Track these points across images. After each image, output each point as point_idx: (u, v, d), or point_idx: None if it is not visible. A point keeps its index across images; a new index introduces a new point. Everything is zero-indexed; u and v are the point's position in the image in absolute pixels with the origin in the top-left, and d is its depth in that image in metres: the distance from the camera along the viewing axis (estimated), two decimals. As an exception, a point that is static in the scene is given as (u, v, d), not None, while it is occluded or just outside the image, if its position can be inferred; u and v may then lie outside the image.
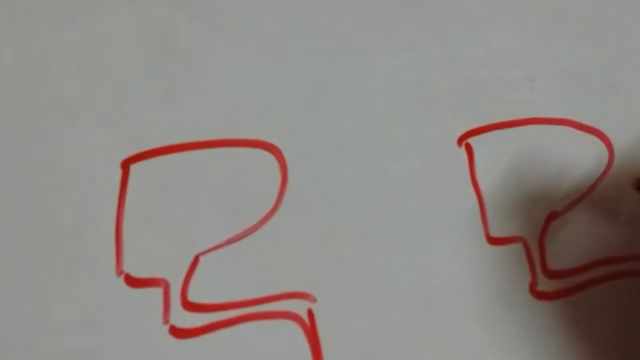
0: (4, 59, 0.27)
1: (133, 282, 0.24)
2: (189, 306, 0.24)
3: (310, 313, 0.24)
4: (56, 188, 0.25)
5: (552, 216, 0.27)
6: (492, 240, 0.26)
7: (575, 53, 0.31)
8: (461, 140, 0.29)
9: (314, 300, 0.25)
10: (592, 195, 0.28)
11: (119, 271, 0.24)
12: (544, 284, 0.26)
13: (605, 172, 0.29)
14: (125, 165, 0.26)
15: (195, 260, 0.25)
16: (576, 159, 0.29)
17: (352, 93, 0.29)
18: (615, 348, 0.25)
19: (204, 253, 0.25)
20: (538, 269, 0.26)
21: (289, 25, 0.30)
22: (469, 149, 0.29)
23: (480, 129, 0.29)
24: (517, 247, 0.27)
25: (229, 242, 0.25)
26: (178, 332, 0.23)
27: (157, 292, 0.24)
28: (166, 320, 0.24)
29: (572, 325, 0.25)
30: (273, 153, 0.27)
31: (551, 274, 0.26)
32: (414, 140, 0.28)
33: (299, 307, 0.24)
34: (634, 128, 0.30)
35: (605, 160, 0.29)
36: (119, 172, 0.26)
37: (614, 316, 0.26)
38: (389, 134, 0.28)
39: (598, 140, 0.30)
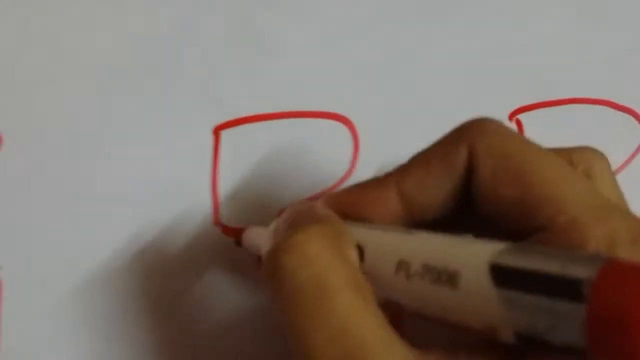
0: (102, 40, 0.30)
1: (229, 231, 0.27)
2: (278, 253, 0.27)
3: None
4: (157, 151, 0.29)
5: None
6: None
7: (615, 41, 0.35)
8: (512, 115, 0.32)
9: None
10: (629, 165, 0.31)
11: (217, 222, 0.27)
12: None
13: (640, 147, 0.32)
14: (217, 131, 0.29)
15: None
16: (614, 134, 0.32)
17: (413, 75, 0.32)
18: None
19: (288, 209, 0.28)
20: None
21: (352, 12, 0.33)
22: (519, 124, 0.32)
23: (529, 107, 0.32)
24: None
25: (310, 200, 0.29)
26: (270, 275, 0.27)
27: (250, 241, 0.27)
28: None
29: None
30: (345, 124, 0.31)
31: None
32: (470, 115, 0.32)
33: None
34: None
35: (641, 137, 0.32)
36: (211, 138, 0.29)
37: None
38: (447, 110, 0.32)
39: (633, 119, 0.33)
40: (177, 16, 0.31)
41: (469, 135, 0.18)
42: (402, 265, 0.16)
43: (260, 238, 0.23)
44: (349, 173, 0.29)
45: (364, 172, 0.30)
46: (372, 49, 0.33)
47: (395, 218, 0.19)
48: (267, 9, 0.32)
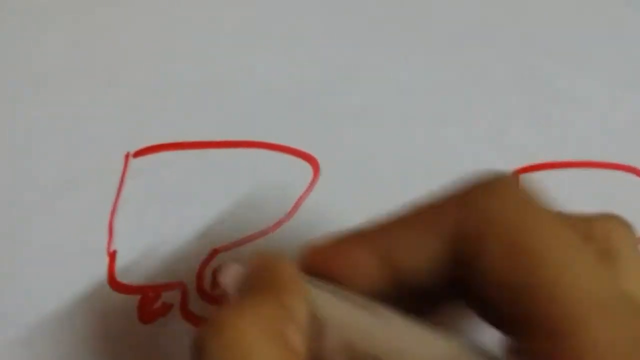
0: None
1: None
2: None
3: None
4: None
5: None
6: None
7: None
8: None
9: None
10: None
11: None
12: None
13: None
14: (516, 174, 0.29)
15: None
16: None
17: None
18: None
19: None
20: None
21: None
22: None
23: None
24: None
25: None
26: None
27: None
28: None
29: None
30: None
31: None
32: None
33: None
34: None
35: None
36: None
37: None
38: None
39: None
40: (470, 64, 0.31)
41: (468, 200, 0.15)
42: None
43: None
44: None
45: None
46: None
47: (375, 283, 0.16)
48: (554, 58, 0.32)
